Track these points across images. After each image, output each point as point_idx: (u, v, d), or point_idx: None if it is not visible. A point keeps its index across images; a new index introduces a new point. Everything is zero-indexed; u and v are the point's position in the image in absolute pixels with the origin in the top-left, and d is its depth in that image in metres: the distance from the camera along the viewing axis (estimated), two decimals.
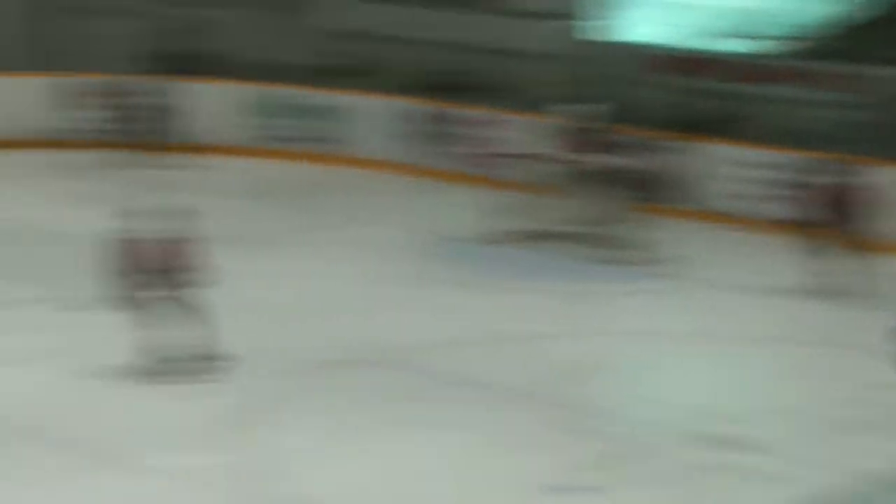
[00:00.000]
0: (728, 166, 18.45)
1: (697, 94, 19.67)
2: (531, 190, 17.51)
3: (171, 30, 23.02)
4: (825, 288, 15.02)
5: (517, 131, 19.13)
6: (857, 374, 12.74)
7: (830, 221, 15.22)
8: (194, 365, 12.23)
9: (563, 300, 15.08)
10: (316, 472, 10.50)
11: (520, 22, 21.44)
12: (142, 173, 20.57)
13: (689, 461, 10.74)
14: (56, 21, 23.09)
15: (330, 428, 11.36)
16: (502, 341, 13.72)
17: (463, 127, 20.35)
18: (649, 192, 17.20)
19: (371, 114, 21.31)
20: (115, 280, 12.19)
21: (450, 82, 21.43)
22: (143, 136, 21.40)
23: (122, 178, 20.19)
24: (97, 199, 18.77)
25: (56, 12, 23.05)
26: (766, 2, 20.09)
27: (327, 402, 11.98)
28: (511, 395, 12.24)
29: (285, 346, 13.17)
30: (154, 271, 12.26)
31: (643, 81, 20.13)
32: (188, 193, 19.87)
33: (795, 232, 15.46)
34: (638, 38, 20.66)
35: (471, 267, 16.45)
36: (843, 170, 15.51)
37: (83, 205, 18.58)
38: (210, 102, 21.89)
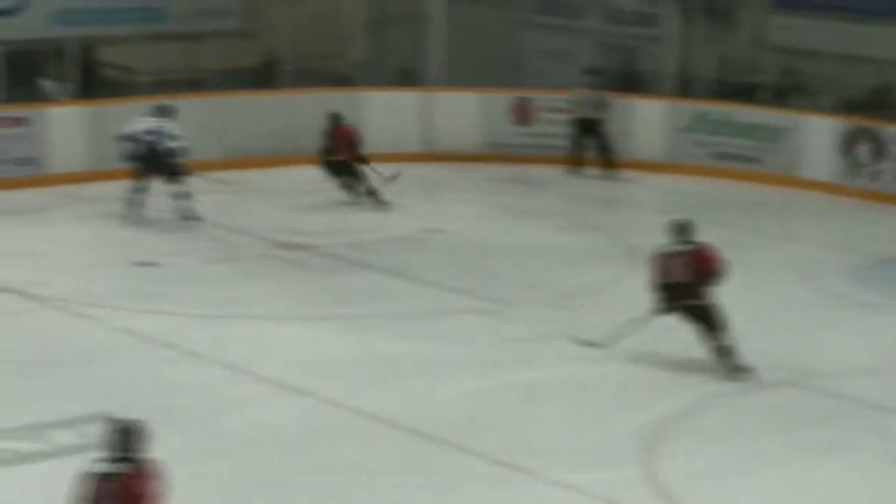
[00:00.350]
0: None
1: None
2: None
3: (613, 46, 23.74)
4: None
5: None
6: None
7: None
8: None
9: None
10: (718, 497, 10.72)
11: None
12: (587, 188, 21.40)
13: None
14: (514, 38, 24.12)
15: (734, 451, 11.56)
16: None
17: None
18: None
19: (808, 132, 21.25)
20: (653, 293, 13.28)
21: (881, 100, 21.26)
22: (589, 151, 22.22)
23: (569, 192, 21.08)
24: (545, 213, 19.82)
25: (516, 29, 24.06)
26: None
27: (733, 423, 12.25)
28: None
29: (699, 365, 13.42)
30: (679, 283, 13.25)
31: None
32: (628, 209, 20.79)
33: None
34: None
35: None
36: None
37: (532, 218, 19.56)
38: (648, 119, 22.45)
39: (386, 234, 18.12)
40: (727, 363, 13.13)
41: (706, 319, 13.20)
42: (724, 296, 15.00)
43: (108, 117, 20.54)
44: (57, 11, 22.04)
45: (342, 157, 19.95)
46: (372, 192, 19.73)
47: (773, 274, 16.83)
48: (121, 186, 18.36)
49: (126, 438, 8.48)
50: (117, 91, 21.74)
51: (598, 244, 18.21)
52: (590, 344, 13.74)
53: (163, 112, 18.81)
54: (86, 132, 20.67)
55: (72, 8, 22.18)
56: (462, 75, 23.24)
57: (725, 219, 19.54)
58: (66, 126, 20.37)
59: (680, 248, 13.36)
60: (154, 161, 18.34)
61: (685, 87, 22.80)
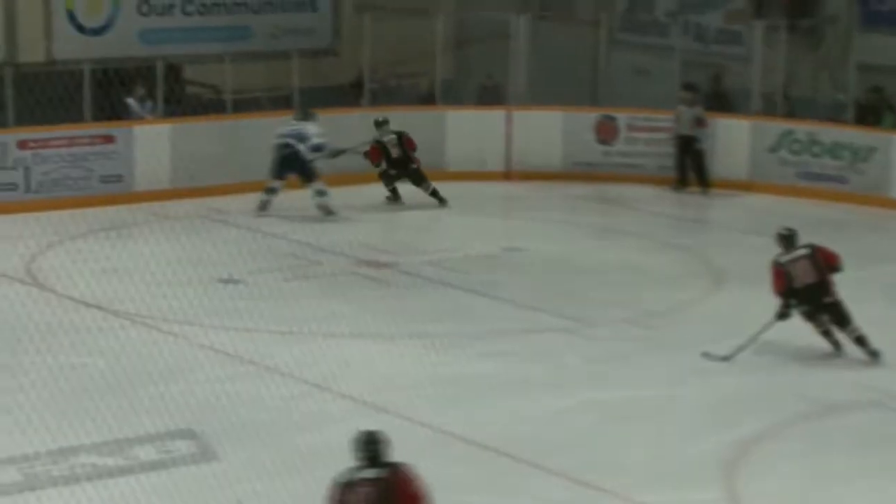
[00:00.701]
0: None
1: None
2: None
3: (697, 65, 23.63)
4: None
5: None
6: None
7: None
8: None
9: None
10: None
11: None
12: (672, 207, 21.32)
13: None
14: (598, 56, 24.09)
15: (818, 472, 11.47)
16: None
17: None
18: None
19: (895, 151, 21.12)
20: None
21: None
22: (676, 170, 22.14)
23: (653, 211, 21.00)
24: (628, 232, 19.75)
25: (600, 47, 24.03)
26: None
27: (817, 444, 12.13)
28: None
29: (781, 385, 13.48)
30: (810, 285, 14.03)
31: None
32: (713, 229, 20.69)
33: None
34: None
35: None
36: None
37: (615, 237, 19.51)
38: (733, 138, 22.31)
39: (468, 253, 18.12)
40: (866, 349, 14.00)
41: (840, 313, 14.05)
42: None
43: (194, 135, 20.75)
44: (144, 30, 22.30)
45: (416, 164, 20.32)
46: (435, 192, 20.27)
47: (859, 294, 16.55)
48: (203, 204, 18.48)
49: (375, 445, 8.84)
50: (202, 109, 21.92)
51: (682, 263, 18.15)
52: (720, 358, 13.81)
53: (305, 116, 20.16)
54: (171, 150, 20.87)
55: (159, 27, 22.44)
56: (546, 94, 23.24)
57: (811, 238, 19.36)
58: (151, 144, 20.56)
59: (800, 252, 14.14)
60: (293, 162, 19.60)
61: (770, 106, 22.65)
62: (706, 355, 13.96)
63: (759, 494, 11.00)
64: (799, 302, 14.03)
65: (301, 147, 19.80)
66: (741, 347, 13.90)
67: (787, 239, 14.32)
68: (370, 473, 8.66)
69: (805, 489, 11.17)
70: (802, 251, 14.20)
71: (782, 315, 14.01)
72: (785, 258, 14.16)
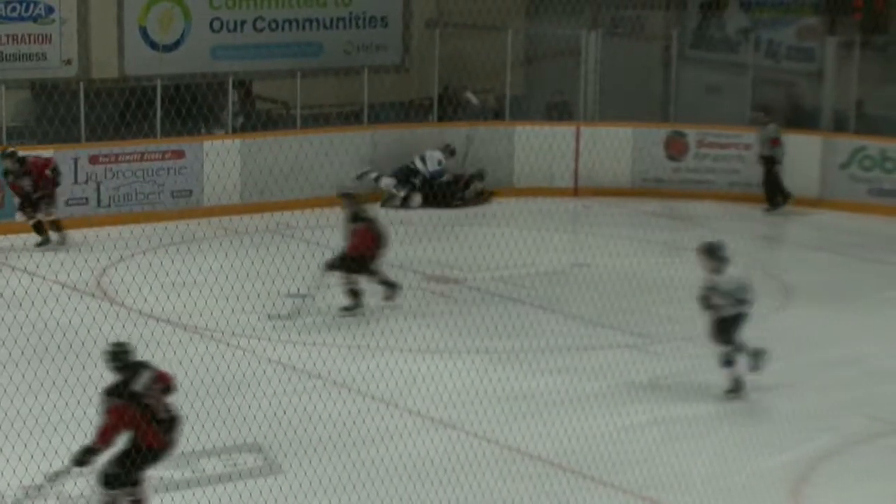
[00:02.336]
0: None
1: None
2: None
3: (769, 81, 23.57)
4: None
5: None
6: None
7: None
8: None
9: None
10: None
11: None
12: (742, 223, 21.24)
13: None
14: (668, 72, 24.07)
15: (883, 492, 11.45)
16: None
17: None
18: None
19: None
20: None
21: None
22: (756, 187, 22.10)
23: (722, 227, 20.93)
24: (693, 248, 19.67)
25: (671, 63, 24.01)
26: None
27: (881, 463, 12.10)
28: None
29: (848, 403, 13.46)
30: None
31: None
32: (782, 245, 20.61)
33: None
34: None
35: None
36: None
37: (682, 254, 19.44)
38: (804, 154, 22.26)
39: (535, 269, 18.16)
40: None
41: None
42: (882, 332, 14.92)
43: (263, 151, 20.95)
44: (216, 46, 22.54)
45: None
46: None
47: None
48: (272, 219, 18.57)
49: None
50: (272, 124, 22.12)
51: (750, 280, 18.01)
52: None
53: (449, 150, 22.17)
54: (241, 165, 21.08)
55: (230, 43, 22.67)
56: (615, 109, 23.26)
57: (882, 255, 19.36)
58: (221, 159, 20.78)
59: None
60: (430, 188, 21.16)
61: (842, 123, 22.55)
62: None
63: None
64: None
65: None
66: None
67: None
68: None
69: None
70: None
71: None
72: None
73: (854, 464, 12.09)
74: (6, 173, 19.08)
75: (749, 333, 15.56)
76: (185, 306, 15.67)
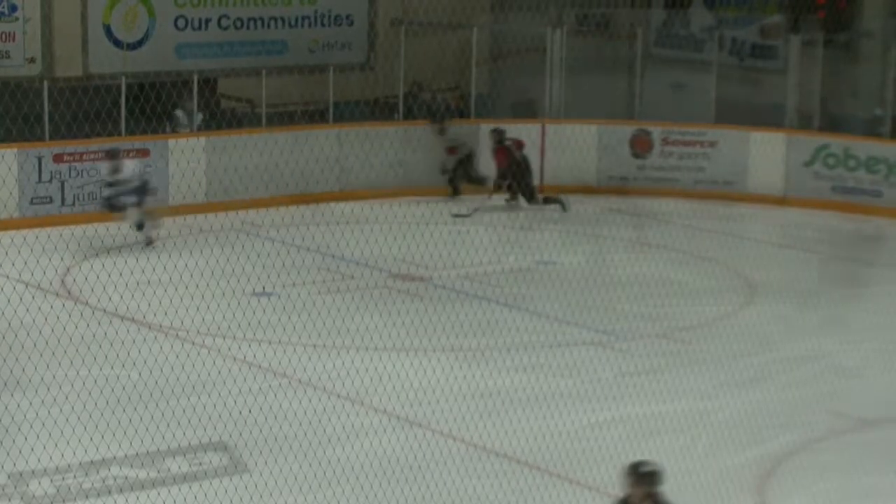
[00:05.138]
0: None
1: None
2: None
3: (733, 79, 23.63)
4: None
5: None
6: None
7: None
8: None
9: None
10: None
11: None
12: (706, 221, 21.28)
13: None
14: (633, 71, 24.09)
15: (849, 488, 11.43)
16: None
17: None
18: None
19: None
20: None
21: None
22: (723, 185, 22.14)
23: (687, 225, 20.99)
24: (662, 245, 19.74)
25: (635, 62, 24.03)
26: None
27: (848, 460, 12.08)
28: None
29: (813, 400, 13.41)
30: None
31: None
32: (747, 243, 20.65)
33: None
34: None
35: None
36: None
37: (648, 251, 19.50)
38: (768, 152, 22.31)
39: (501, 266, 18.14)
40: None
41: None
42: (845, 329, 14.96)
43: (228, 149, 20.86)
44: (180, 44, 22.42)
45: None
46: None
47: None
48: (238, 217, 18.47)
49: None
50: (237, 123, 22.03)
51: (715, 277, 18.15)
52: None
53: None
54: (206, 163, 20.99)
55: (195, 41, 22.56)
56: (581, 107, 23.25)
57: (847, 253, 19.42)
58: (186, 157, 20.69)
59: None
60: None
61: (806, 121, 22.61)
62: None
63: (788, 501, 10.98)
64: None
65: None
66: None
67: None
68: None
69: None
70: None
71: None
72: None
73: (819, 459, 12.07)
74: None
75: (712, 329, 15.68)
76: (149, 305, 15.58)
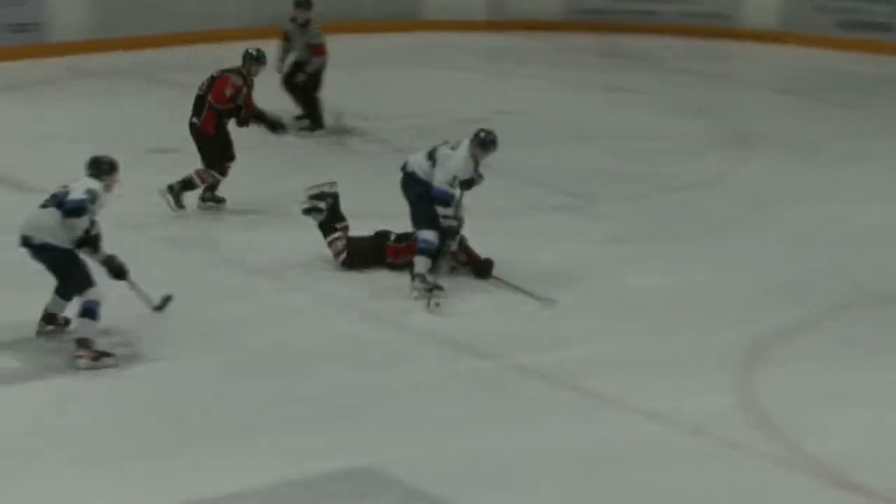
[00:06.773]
0: None
1: None
2: None
3: None
4: None
5: None
6: None
7: None
8: None
9: None
10: (820, 425, 10.26)
11: None
12: (690, 62, 21.34)
13: None
14: None
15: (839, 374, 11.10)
16: None
17: None
18: None
19: None
20: None
21: None
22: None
23: (670, 67, 20.87)
24: (640, 91, 19.66)
25: None
26: None
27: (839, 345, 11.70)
28: None
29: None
30: None
31: None
32: (737, 87, 20.63)
33: None
34: None
35: None
36: None
37: (624, 98, 19.31)
38: None
39: (448, 117, 17.69)
40: None
41: None
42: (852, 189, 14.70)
43: None
44: None
45: None
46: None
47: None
48: (129, 58, 17.99)
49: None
50: None
51: (704, 129, 18.06)
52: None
53: None
54: None
55: None
56: None
57: (851, 99, 19.56)
58: None
59: None
60: None
61: None
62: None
63: (775, 398, 10.63)
64: None
65: None
66: None
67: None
68: None
69: (826, 392, 10.79)
70: None
71: None
72: None
73: (824, 338, 11.76)
74: None
75: (702, 191, 15.43)
76: (26, 161, 15.11)
